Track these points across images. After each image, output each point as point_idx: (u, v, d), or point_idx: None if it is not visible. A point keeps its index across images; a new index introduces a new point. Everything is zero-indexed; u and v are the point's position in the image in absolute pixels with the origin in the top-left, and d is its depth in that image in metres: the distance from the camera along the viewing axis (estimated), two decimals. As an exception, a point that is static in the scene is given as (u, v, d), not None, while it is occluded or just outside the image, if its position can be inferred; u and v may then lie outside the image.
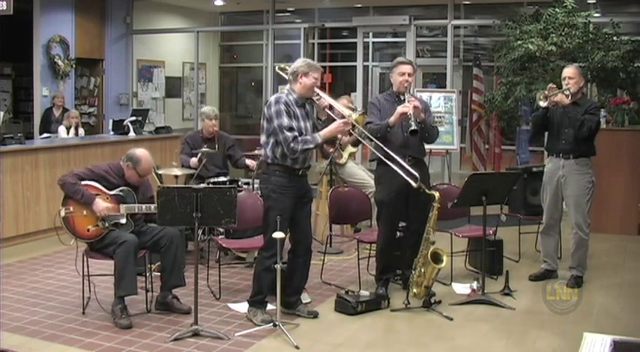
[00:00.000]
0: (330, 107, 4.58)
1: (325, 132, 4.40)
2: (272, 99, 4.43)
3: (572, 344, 3.98)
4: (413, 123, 4.65)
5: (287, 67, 4.59)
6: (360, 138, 4.88)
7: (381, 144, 4.72)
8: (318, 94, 4.47)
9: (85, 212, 4.52)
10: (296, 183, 4.43)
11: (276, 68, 4.80)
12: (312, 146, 4.34)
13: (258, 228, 4.98)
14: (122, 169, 4.67)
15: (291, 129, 4.29)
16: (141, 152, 4.69)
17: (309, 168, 4.57)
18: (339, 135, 6.69)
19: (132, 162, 4.63)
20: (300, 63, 4.44)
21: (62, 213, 4.51)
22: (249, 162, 6.43)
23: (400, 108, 4.71)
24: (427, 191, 4.75)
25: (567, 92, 5.14)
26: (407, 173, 4.65)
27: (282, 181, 4.38)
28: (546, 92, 5.21)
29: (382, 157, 4.72)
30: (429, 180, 5.08)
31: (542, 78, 7.81)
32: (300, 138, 4.29)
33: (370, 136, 4.70)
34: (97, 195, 4.54)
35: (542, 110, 5.26)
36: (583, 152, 5.26)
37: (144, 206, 4.64)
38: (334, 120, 4.49)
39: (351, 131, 4.57)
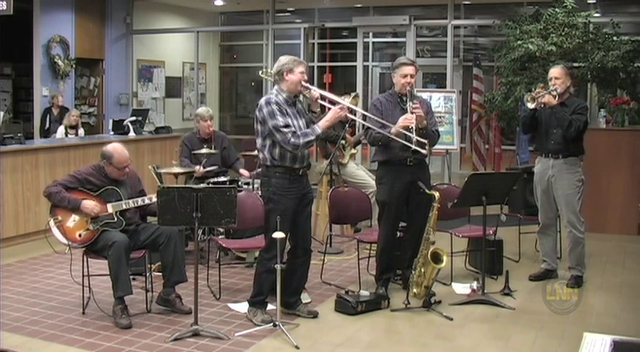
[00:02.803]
0: (322, 97, 4.54)
1: (323, 121, 4.37)
2: (262, 101, 4.39)
3: (572, 345, 3.98)
4: (414, 143, 4.62)
5: (269, 72, 4.56)
6: (360, 120, 4.81)
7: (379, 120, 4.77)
8: (307, 88, 4.43)
9: (73, 218, 4.53)
10: (297, 183, 4.41)
11: (260, 73, 4.72)
12: (313, 138, 4.31)
13: (258, 228, 4.99)
14: (104, 168, 4.68)
15: (287, 126, 4.28)
16: (112, 146, 4.70)
17: (309, 168, 4.55)
18: (347, 135, 6.75)
19: (106, 158, 4.65)
20: (282, 61, 4.42)
21: (52, 224, 4.51)
22: (243, 171, 6.41)
23: (403, 121, 4.67)
24: (427, 191, 4.76)
25: (554, 92, 5.16)
26: (411, 143, 4.65)
27: (282, 183, 4.36)
28: (533, 94, 5.23)
29: (384, 133, 4.71)
30: (430, 181, 5.08)
31: (542, 78, 7.81)
32: (299, 133, 4.29)
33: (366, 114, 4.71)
34: (84, 198, 4.56)
35: (530, 111, 5.28)
36: (572, 152, 5.28)
37: (131, 201, 4.64)
38: (329, 110, 4.45)
39: (347, 115, 4.52)
